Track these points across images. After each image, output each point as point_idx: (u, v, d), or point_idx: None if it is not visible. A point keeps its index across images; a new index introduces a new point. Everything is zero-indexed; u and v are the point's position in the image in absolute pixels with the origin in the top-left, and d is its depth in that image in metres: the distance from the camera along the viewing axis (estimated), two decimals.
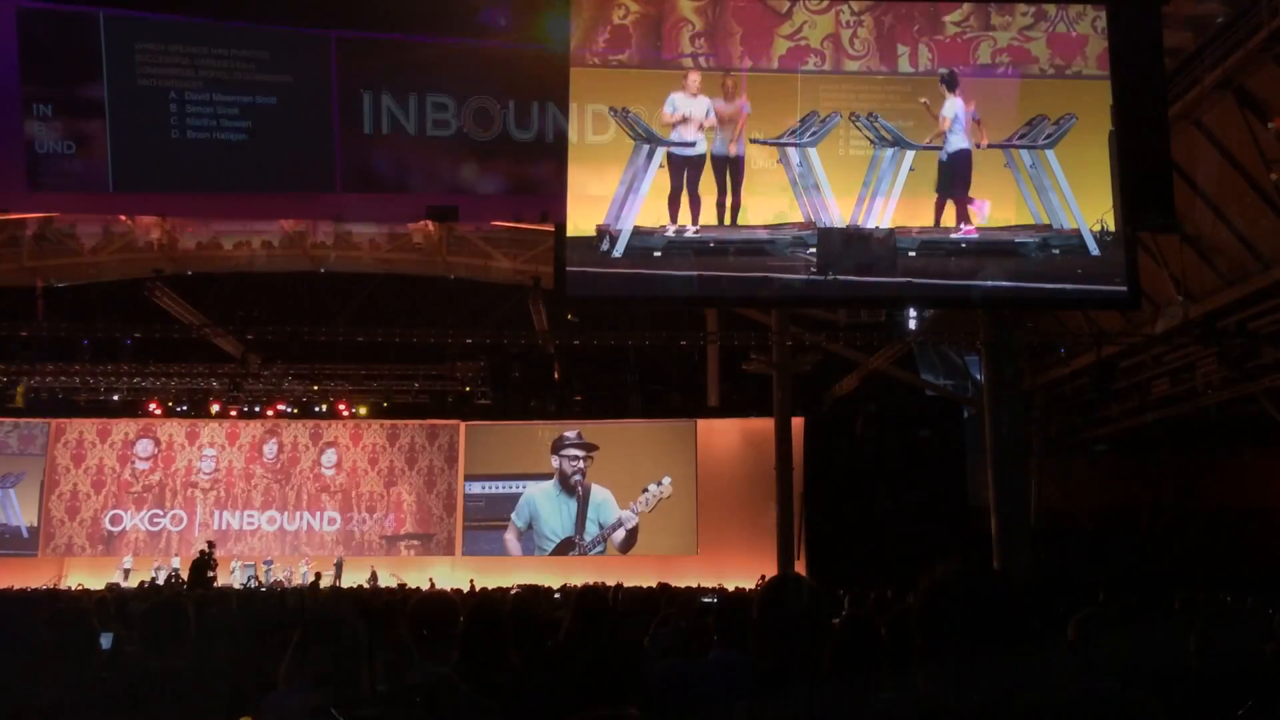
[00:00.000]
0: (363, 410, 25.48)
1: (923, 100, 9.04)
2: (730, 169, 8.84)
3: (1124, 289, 8.98)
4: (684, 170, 8.78)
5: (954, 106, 9.01)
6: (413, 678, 3.10)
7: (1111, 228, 8.93)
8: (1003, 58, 9.24)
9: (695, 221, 8.68)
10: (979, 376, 22.28)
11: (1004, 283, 8.94)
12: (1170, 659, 3.49)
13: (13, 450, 25.33)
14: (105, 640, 3.82)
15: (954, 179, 8.96)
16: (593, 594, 4.07)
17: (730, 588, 16.58)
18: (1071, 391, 22.57)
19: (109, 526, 25.10)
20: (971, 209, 8.91)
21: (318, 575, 22.61)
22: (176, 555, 23.40)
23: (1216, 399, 18.41)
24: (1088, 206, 8.96)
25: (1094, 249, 8.90)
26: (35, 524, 24.92)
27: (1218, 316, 16.94)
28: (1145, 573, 18.38)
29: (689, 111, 8.85)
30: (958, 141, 9.01)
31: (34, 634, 2.46)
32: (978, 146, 8.99)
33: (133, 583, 20.82)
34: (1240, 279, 16.38)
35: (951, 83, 9.07)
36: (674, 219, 8.68)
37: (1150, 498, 22.89)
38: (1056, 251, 8.93)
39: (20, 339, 21.18)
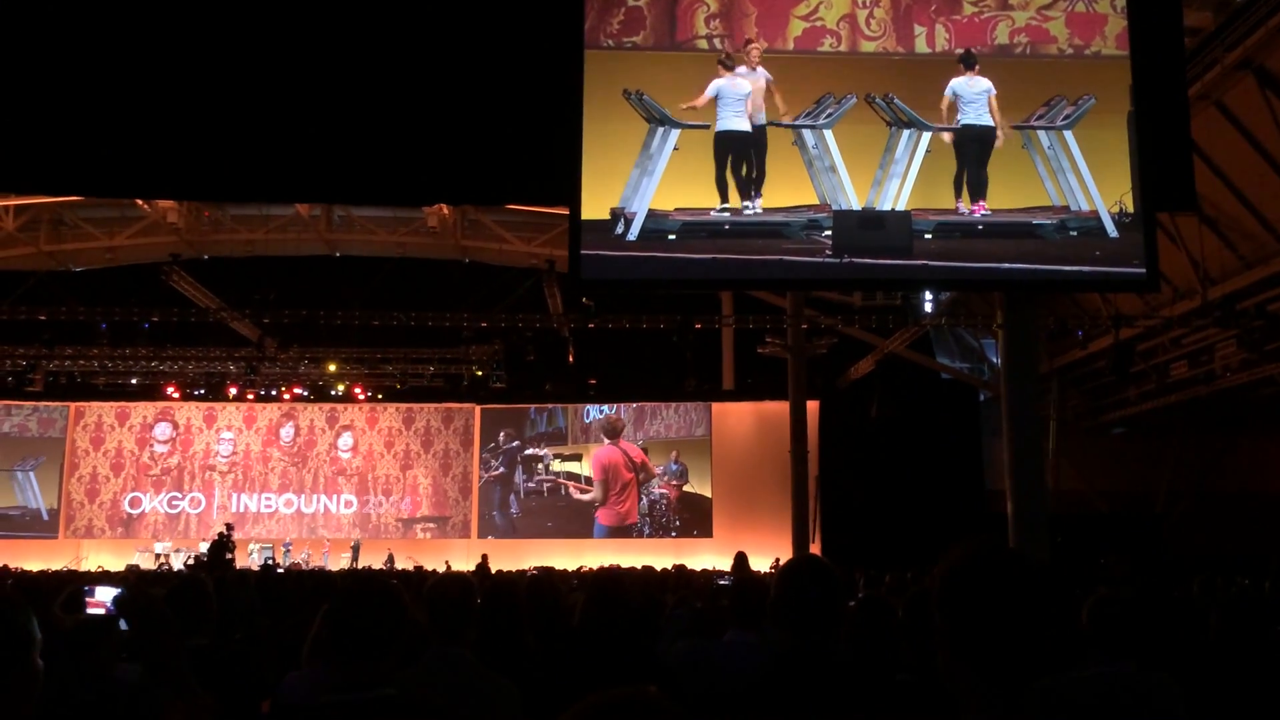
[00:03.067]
0: (379, 395, 25.63)
1: (941, 81, 8.96)
2: (755, 145, 8.79)
3: (1142, 271, 8.90)
4: (717, 149, 8.76)
5: (970, 86, 8.93)
6: (429, 658, 3.12)
7: (1130, 209, 8.85)
8: (1021, 38, 9.15)
9: (724, 201, 8.65)
10: (995, 359, 22.22)
11: (1021, 265, 8.88)
12: (1189, 642, 3.48)
13: (33, 433, 25.55)
14: (124, 622, 3.84)
15: (969, 159, 8.88)
16: (607, 576, 4.08)
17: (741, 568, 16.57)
18: (1089, 374, 22.47)
19: (128, 509, 25.32)
20: (988, 189, 8.84)
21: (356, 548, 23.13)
22: (205, 541, 23.67)
23: (1235, 381, 18.29)
24: (1106, 188, 8.87)
25: (1112, 231, 8.83)
26: (55, 506, 25.16)
27: (1237, 298, 16.83)
28: (1163, 557, 18.31)
29: (720, 89, 8.81)
30: (974, 121, 8.93)
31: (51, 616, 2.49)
32: (993, 127, 8.91)
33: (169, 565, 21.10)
34: (1260, 260, 16.26)
35: (969, 62, 9.00)
36: (720, 198, 8.66)
37: (1168, 481, 22.78)
38: (1074, 233, 8.85)
39: (40, 322, 21.34)
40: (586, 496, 25.03)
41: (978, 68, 8.94)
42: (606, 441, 25.18)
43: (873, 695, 2.50)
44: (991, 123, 8.87)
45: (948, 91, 8.89)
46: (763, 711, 2.46)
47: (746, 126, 8.75)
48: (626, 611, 3.90)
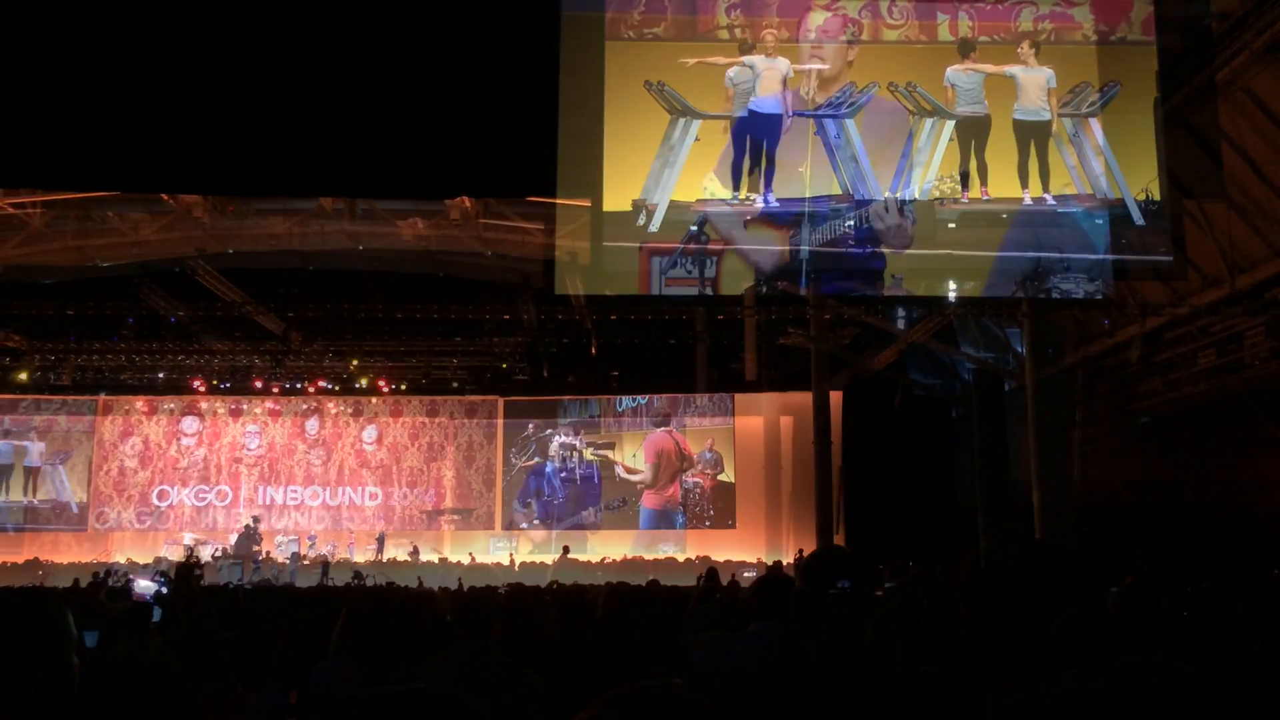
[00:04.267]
0: (403, 385, 25.75)
1: (967, 67, 8.89)
2: (769, 133, 8.76)
3: (1169, 258, 8.83)
4: (736, 138, 8.72)
5: (966, 75, 8.86)
6: (455, 652, 3.13)
7: (1157, 197, 8.77)
8: (1045, 24, 9.07)
9: (735, 190, 8.62)
10: (1020, 349, 22.06)
11: (1047, 253, 8.81)
12: (1217, 633, 3.45)
13: (62, 427, 25.83)
14: (156, 613, 3.89)
15: (968, 148, 8.82)
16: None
17: (769, 562, 16.59)
18: (1115, 364, 22.25)
19: (156, 502, 25.56)
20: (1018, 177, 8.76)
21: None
22: (233, 533, 24.01)
23: (1264, 371, 18.07)
24: (1132, 175, 8.79)
25: (1139, 218, 8.75)
26: (84, 499, 25.43)
27: (1266, 286, 16.61)
28: (1190, 547, 18.16)
29: (741, 79, 8.78)
30: (969, 111, 8.85)
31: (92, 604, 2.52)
32: (987, 115, 8.82)
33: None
34: None
35: (965, 49, 8.92)
36: (733, 187, 8.62)
37: (1195, 471, 22.55)
38: (1100, 221, 8.77)
39: (67, 317, 21.55)
40: (635, 478, 25.03)
41: (973, 56, 8.87)
42: (659, 428, 25.16)
43: (899, 687, 2.49)
44: (985, 111, 8.80)
45: (946, 81, 8.84)
46: (787, 703, 2.46)
47: (762, 111, 8.71)
48: (647, 605, 3.91)
